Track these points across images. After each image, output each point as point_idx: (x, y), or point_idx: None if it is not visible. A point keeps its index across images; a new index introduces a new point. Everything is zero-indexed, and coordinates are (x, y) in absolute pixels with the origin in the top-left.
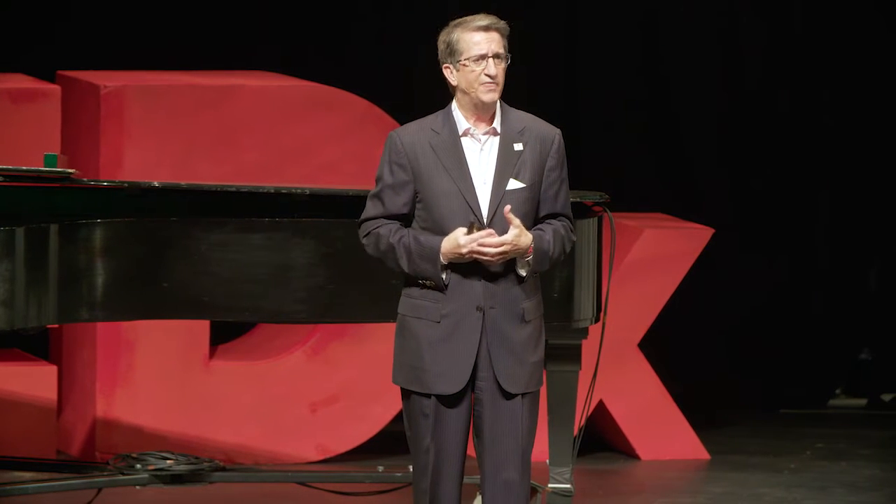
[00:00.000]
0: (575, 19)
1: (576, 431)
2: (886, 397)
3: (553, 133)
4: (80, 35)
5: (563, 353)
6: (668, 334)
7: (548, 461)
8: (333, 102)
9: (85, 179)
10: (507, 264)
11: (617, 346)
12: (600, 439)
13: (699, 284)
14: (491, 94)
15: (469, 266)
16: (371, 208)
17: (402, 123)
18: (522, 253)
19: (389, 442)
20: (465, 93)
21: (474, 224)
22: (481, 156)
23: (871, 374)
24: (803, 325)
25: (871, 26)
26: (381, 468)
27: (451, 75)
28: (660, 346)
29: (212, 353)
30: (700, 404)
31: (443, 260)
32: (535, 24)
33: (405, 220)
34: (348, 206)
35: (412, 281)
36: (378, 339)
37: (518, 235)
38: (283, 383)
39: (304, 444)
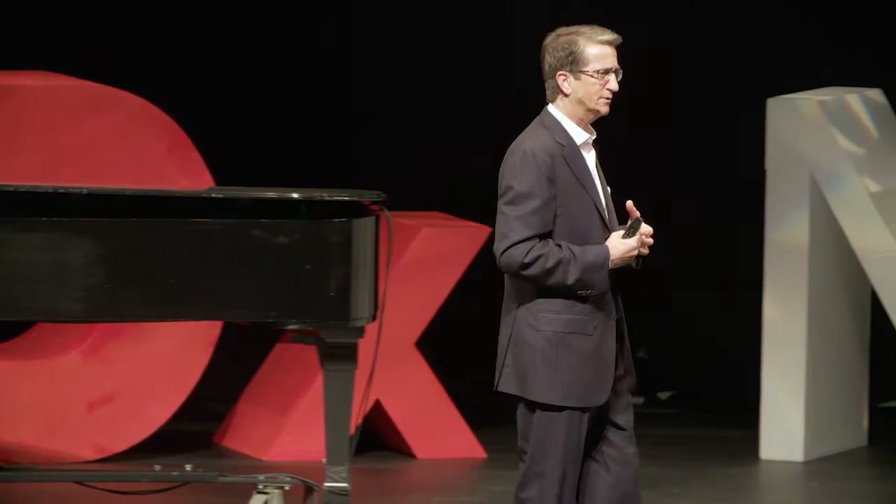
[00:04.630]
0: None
1: (352, 430)
2: (663, 396)
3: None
4: None
5: (339, 352)
6: (447, 333)
7: (324, 460)
8: (110, 102)
9: None
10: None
11: (394, 345)
12: (377, 438)
13: (479, 282)
14: (607, 108)
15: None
16: (523, 228)
17: (179, 123)
18: None
19: (166, 441)
20: (580, 103)
21: (641, 223)
22: (593, 166)
23: (647, 373)
24: None
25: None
26: (157, 467)
27: (564, 83)
28: (438, 344)
29: None
30: (476, 403)
31: (610, 266)
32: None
33: (550, 237)
34: (127, 205)
35: (551, 295)
36: (155, 339)
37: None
38: (60, 382)
39: (81, 443)
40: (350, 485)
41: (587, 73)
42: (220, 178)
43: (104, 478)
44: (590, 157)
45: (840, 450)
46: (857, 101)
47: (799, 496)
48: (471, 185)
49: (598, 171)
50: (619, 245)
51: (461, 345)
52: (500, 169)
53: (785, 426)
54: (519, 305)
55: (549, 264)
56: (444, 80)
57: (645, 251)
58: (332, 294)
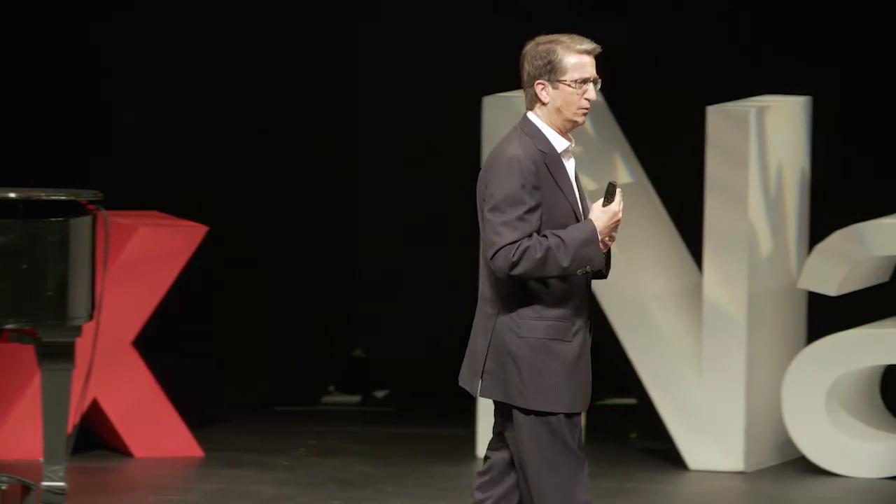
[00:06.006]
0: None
1: (70, 430)
2: (379, 394)
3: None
4: None
5: (56, 351)
6: (165, 332)
7: (42, 459)
8: None
9: None
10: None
11: (111, 345)
12: (95, 437)
13: (195, 281)
14: (584, 118)
15: (583, 282)
16: (510, 232)
17: None
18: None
19: None
20: (558, 112)
21: (615, 186)
22: (572, 174)
23: (364, 372)
24: (297, 322)
25: None
26: None
27: (542, 92)
28: (155, 343)
29: None
30: (194, 402)
31: (600, 237)
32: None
33: None
34: None
35: (531, 301)
36: None
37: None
38: None
39: None
40: (67, 484)
41: (565, 83)
42: None
43: None
44: (569, 165)
45: None
46: None
47: None
48: (190, 184)
49: (578, 179)
50: (602, 214)
51: (180, 343)
52: (482, 176)
53: None
54: (499, 311)
55: (539, 254)
56: (166, 79)
57: (612, 236)
58: (49, 293)
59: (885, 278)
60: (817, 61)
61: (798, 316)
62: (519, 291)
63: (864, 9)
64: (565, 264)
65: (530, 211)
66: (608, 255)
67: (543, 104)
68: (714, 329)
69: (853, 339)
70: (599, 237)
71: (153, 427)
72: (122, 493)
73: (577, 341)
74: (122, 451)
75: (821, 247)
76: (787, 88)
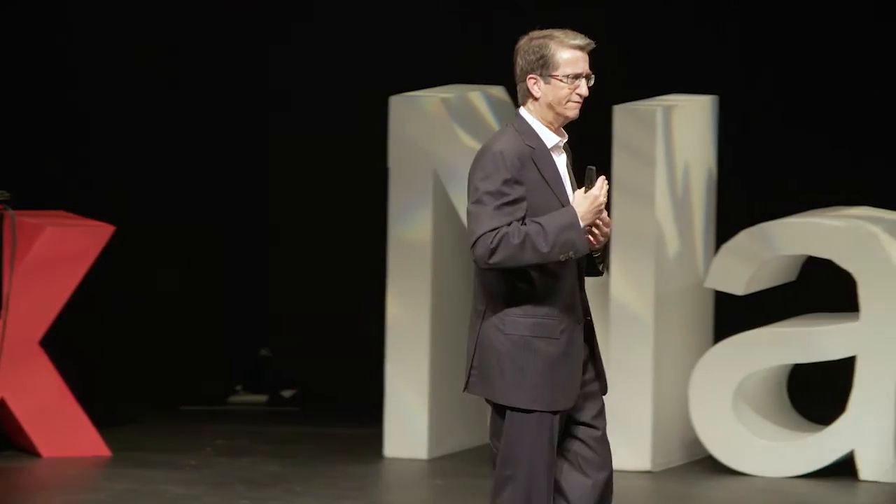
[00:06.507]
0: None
1: None
2: (286, 394)
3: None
4: None
5: None
6: (72, 331)
7: None
8: None
9: None
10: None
11: (18, 344)
12: (2, 437)
13: (103, 281)
14: (576, 112)
15: (573, 279)
16: (489, 221)
17: None
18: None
19: None
20: (549, 107)
21: (594, 171)
22: (563, 169)
23: (270, 371)
24: (203, 322)
25: None
26: None
27: (534, 86)
28: (64, 342)
29: None
30: (101, 401)
31: (581, 223)
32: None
33: None
34: None
35: (518, 298)
36: None
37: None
38: None
39: None
40: None
41: (557, 78)
42: None
43: None
44: (560, 160)
45: (464, 447)
46: (481, 98)
47: (422, 493)
48: (97, 184)
49: (568, 173)
50: (583, 200)
51: (87, 343)
52: (469, 171)
53: (409, 424)
54: (486, 308)
55: (516, 240)
56: (71, 80)
57: (605, 232)
58: None
59: (792, 277)
60: (723, 61)
61: (705, 315)
62: (507, 290)
63: (772, 9)
64: (545, 249)
65: (513, 203)
66: (605, 251)
67: (535, 99)
68: (621, 328)
69: (760, 339)
70: (582, 223)
71: (61, 427)
72: (29, 493)
73: (564, 339)
74: (29, 450)
75: (727, 246)
76: (693, 87)
